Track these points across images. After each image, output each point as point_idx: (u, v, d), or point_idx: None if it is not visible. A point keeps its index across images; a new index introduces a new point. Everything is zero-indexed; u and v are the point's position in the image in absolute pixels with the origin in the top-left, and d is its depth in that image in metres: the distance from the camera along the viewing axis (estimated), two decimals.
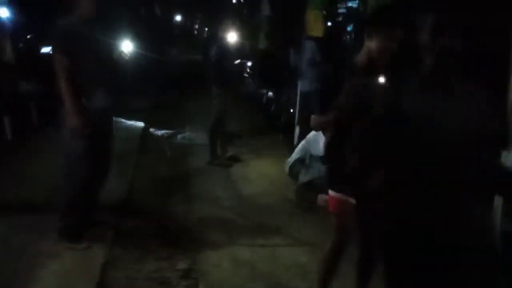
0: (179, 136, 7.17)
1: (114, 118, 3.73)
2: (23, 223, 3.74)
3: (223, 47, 5.52)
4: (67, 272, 3.08)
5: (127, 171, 5.05)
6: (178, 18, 24.75)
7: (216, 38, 5.86)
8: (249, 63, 10.89)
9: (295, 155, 4.45)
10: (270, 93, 9.96)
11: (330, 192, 2.44)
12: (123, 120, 7.25)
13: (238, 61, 5.74)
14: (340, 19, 8.81)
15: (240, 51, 5.83)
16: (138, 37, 10.30)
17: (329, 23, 8.88)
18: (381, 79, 2.16)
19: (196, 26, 29.26)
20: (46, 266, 3.11)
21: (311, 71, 6.36)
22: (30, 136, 6.28)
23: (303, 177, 4.32)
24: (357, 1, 5.22)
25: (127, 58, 3.41)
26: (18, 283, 2.94)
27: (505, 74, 2.52)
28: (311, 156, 4.24)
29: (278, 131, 7.32)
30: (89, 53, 3.24)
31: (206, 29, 22.40)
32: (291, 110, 6.67)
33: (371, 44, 2.18)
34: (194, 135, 7.07)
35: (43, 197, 4.20)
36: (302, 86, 5.90)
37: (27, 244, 3.37)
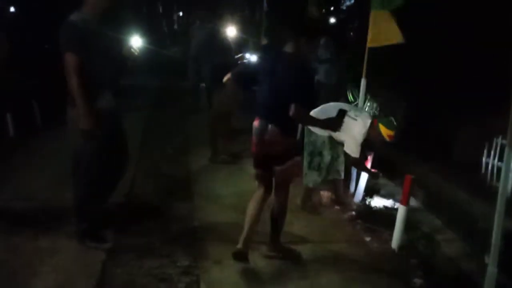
0: None
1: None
2: (24, 220, 3.76)
3: (213, 42, 5.52)
4: (68, 268, 3.08)
5: (128, 167, 5.04)
6: (180, 14, 24.67)
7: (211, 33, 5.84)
8: (253, 58, 10.88)
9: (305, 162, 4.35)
10: None
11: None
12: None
13: (240, 55, 5.70)
14: (343, 16, 8.79)
15: (240, 46, 5.80)
16: (142, 33, 10.36)
17: (332, 20, 8.85)
18: None
19: (198, 22, 29.20)
20: (47, 263, 3.11)
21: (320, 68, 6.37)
22: (32, 134, 6.29)
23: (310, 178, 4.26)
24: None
25: (137, 53, 3.39)
26: (18, 279, 2.95)
27: None
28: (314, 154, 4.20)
29: None
30: (99, 51, 3.15)
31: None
32: None
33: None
34: None
35: (44, 194, 4.21)
36: None
37: (27, 241, 3.38)
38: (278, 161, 3.17)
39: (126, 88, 3.99)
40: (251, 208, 3.28)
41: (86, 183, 3.35)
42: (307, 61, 3.32)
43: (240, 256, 3.13)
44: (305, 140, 4.25)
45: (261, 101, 3.22)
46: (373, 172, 4.28)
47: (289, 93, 2.98)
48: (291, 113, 2.93)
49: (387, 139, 3.95)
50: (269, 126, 3.12)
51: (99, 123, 3.15)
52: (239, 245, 3.13)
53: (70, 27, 3.11)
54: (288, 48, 3.14)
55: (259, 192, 3.32)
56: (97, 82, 3.16)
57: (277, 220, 3.34)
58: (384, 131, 3.93)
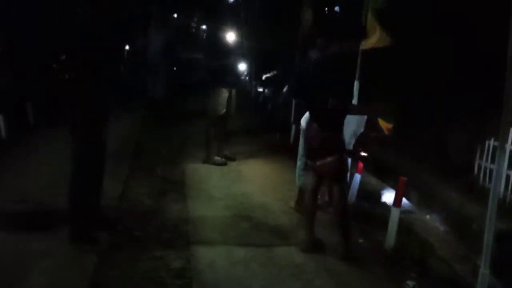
0: None
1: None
2: (16, 222, 3.74)
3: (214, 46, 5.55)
4: (60, 271, 3.06)
5: (122, 170, 5.04)
6: (174, 16, 24.69)
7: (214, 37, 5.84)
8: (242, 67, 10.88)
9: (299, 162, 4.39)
10: (267, 91, 9.98)
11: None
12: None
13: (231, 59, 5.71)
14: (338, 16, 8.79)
15: (235, 50, 5.80)
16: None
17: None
18: None
19: (193, 24, 29.24)
20: (40, 265, 3.09)
21: None
22: (25, 135, 6.26)
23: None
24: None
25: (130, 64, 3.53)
26: (11, 281, 2.92)
27: None
28: None
29: (275, 129, 7.32)
30: (103, 57, 3.24)
31: (204, 27, 22.31)
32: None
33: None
34: None
35: (37, 196, 4.19)
36: None
37: (20, 243, 3.36)
38: (318, 156, 3.47)
39: (122, 89, 4.05)
40: None
41: (81, 184, 3.38)
42: (339, 59, 3.61)
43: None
44: (300, 142, 4.26)
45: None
46: (361, 155, 4.36)
47: (326, 92, 3.33)
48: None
49: (386, 132, 4.04)
50: (314, 124, 3.49)
51: (102, 124, 3.33)
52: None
53: (77, 34, 3.26)
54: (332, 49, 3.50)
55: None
56: (98, 86, 3.27)
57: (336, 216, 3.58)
58: (384, 124, 4.02)
